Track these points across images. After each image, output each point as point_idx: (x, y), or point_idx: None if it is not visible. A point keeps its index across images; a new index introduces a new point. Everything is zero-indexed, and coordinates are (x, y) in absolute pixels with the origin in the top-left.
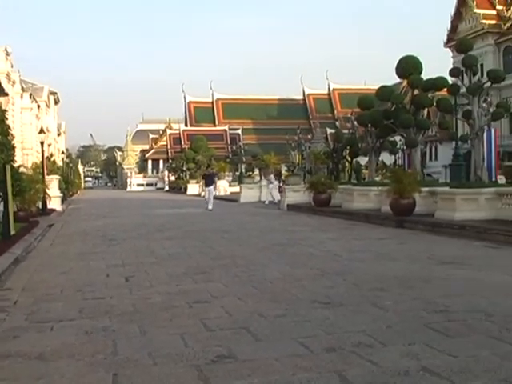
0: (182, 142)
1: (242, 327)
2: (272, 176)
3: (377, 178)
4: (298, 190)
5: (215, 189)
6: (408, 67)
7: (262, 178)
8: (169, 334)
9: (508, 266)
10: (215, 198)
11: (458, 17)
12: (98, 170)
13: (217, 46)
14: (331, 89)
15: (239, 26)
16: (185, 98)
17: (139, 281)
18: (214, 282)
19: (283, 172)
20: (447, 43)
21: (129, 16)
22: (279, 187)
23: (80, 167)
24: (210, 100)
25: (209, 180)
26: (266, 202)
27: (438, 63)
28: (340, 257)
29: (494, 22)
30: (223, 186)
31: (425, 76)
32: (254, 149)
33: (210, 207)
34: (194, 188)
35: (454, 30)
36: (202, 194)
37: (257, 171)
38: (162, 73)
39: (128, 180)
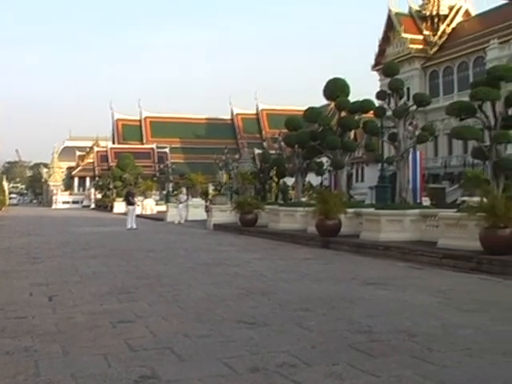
0: (110, 160)
1: (166, 347)
2: (181, 195)
3: (303, 199)
4: (224, 210)
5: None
6: (335, 89)
7: (189, 197)
8: (92, 355)
9: (431, 287)
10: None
11: (385, 41)
12: (24, 186)
13: (146, 63)
14: (259, 109)
15: (169, 43)
16: (113, 115)
17: (63, 300)
18: (138, 302)
19: (210, 191)
20: (375, 66)
21: (56, 31)
22: (206, 207)
23: (5, 183)
24: (138, 118)
25: (131, 198)
26: (182, 222)
27: (366, 86)
28: (265, 277)
29: (420, 46)
30: (150, 205)
31: (353, 98)
32: (181, 168)
33: (135, 226)
34: (120, 206)
35: (381, 53)
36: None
37: (184, 190)
38: (91, 90)
39: (54, 197)
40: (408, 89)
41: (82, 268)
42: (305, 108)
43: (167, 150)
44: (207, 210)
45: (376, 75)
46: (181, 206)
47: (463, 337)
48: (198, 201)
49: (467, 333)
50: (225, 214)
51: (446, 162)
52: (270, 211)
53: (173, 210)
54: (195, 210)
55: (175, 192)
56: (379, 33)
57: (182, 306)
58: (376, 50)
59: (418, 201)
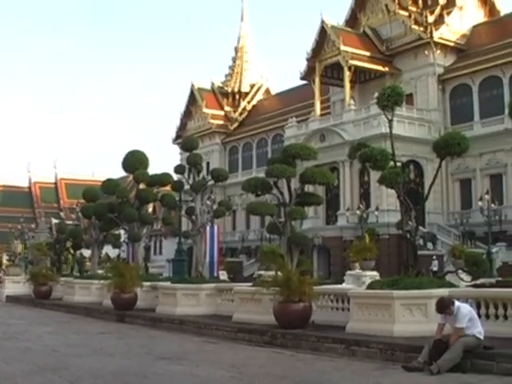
0: None
1: None
2: None
3: (100, 271)
4: (18, 281)
5: None
6: (134, 162)
7: None
8: None
9: (225, 361)
10: None
11: (187, 115)
12: None
13: None
14: (58, 178)
15: None
16: None
17: None
18: None
19: (4, 262)
20: (176, 140)
21: None
22: None
23: None
24: None
25: None
26: None
27: (169, 159)
28: (58, 352)
29: (221, 122)
30: None
31: (154, 171)
32: None
33: None
34: None
35: (183, 127)
36: None
37: None
38: None
39: None
40: (208, 163)
41: None
42: (104, 179)
43: None
44: (0, 281)
45: (177, 149)
46: None
47: None
48: None
49: None
50: (18, 285)
51: (244, 236)
52: (66, 283)
53: None
54: None
55: None
56: (182, 107)
57: None
58: (178, 123)
59: (215, 274)
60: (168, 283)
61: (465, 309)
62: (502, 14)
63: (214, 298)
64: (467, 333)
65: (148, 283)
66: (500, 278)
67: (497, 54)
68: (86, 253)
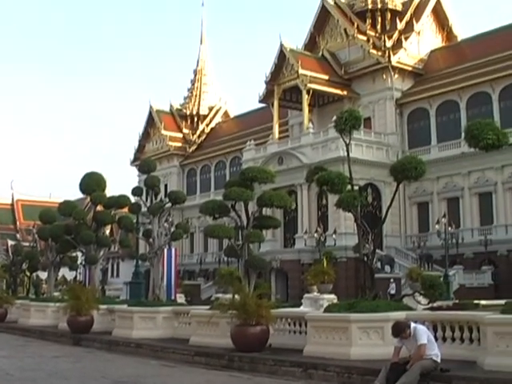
0: None
1: None
2: None
3: (56, 294)
4: None
5: None
6: (91, 183)
7: None
8: None
9: None
10: None
11: (146, 137)
12: None
13: None
14: (15, 199)
15: None
16: None
17: None
18: None
19: None
20: (134, 162)
21: None
22: None
23: None
24: None
25: None
26: None
27: (127, 181)
28: (12, 376)
29: (179, 144)
30: None
31: (112, 193)
32: None
33: None
34: None
35: (141, 149)
36: None
37: None
38: None
39: None
40: (166, 185)
41: None
42: (62, 200)
43: None
44: None
45: (136, 171)
46: None
47: None
48: None
49: None
50: None
51: (202, 258)
52: (21, 306)
53: None
54: None
55: None
56: (141, 128)
57: None
58: (136, 145)
59: (173, 297)
60: (125, 306)
61: (421, 329)
62: (460, 39)
63: (171, 321)
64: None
65: (105, 306)
66: (457, 301)
67: (454, 79)
68: (43, 275)
